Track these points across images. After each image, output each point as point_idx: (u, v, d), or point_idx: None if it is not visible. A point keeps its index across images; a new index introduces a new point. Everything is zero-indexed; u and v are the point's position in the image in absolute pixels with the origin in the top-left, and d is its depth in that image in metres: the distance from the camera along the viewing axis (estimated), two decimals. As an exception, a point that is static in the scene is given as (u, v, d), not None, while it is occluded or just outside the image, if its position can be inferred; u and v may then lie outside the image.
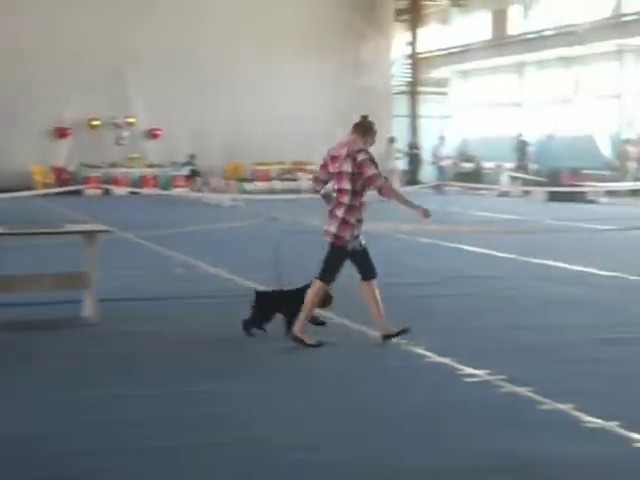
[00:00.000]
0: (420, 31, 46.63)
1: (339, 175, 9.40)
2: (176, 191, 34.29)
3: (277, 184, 37.78)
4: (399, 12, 45.86)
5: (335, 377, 8.34)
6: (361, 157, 9.32)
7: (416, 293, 12.85)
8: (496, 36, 44.12)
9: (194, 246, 17.33)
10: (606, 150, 37.14)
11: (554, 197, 30.90)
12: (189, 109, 38.53)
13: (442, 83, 47.82)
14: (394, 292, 12.80)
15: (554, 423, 6.87)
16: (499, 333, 10.08)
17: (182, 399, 7.55)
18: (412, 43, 46.17)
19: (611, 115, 37.48)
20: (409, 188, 33.73)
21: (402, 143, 39.53)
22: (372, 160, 9.39)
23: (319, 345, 9.29)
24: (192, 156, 37.21)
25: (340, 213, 9.40)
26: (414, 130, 44.05)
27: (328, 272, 9.50)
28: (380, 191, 9.41)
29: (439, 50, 47.22)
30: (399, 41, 47.15)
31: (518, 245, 17.86)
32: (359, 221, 9.47)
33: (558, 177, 33.49)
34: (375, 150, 31.03)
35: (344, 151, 9.42)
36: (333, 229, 9.46)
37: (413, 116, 44.97)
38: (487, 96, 46.10)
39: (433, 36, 48.60)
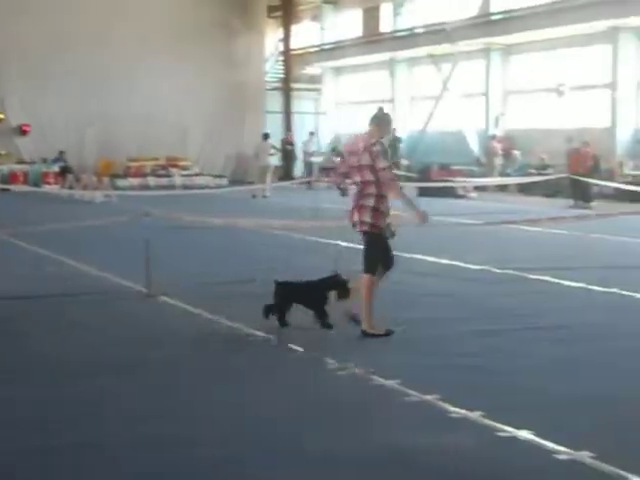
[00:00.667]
0: (293, 28, 46.84)
1: (360, 168, 9.65)
2: (47, 188, 33.65)
3: (151, 180, 37.48)
4: (272, 9, 45.94)
5: (204, 375, 8.33)
6: (375, 149, 9.57)
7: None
8: (367, 33, 44.60)
9: (65, 244, 17.08)
10: (474, 146, 37.99)
11: (424, 192, 31.43)
12: (61, 105, 37.83)
13: (315, 80, 48.15)
14: (264, 288, 12.89)
15: (420, 414, 7.03)
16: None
17: (57, 398, 7.48)
18: (285, 40, 46.33)
19: (479, 112, 38.31)
20: (283, 184, 33.91)
21: (276, 139, 39.62)
22: (385, 152, 9.62)
23: (390, 333, 9.57)
24: (62, 152, 36.62)
25: (371, 203, 9.59)
26: (287, 126, 44.22)
27: (372, 263, 9.64)
28: (385, 184, 9.61)
29: (312, 47, 47.50)
30: (272, 37, 47.25)
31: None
32: (388, 209, 9.72)
33: (428, 173, 34.08)
34: (250, 146, 30.75)
35: (362, 145, 9.68)
36: (368, 219, 9.62)
37: (286, 112, 45.14)
38: (360, 92, 46.57)
39: (306, 33, 48.85)
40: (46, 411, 7.15)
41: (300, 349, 9.02)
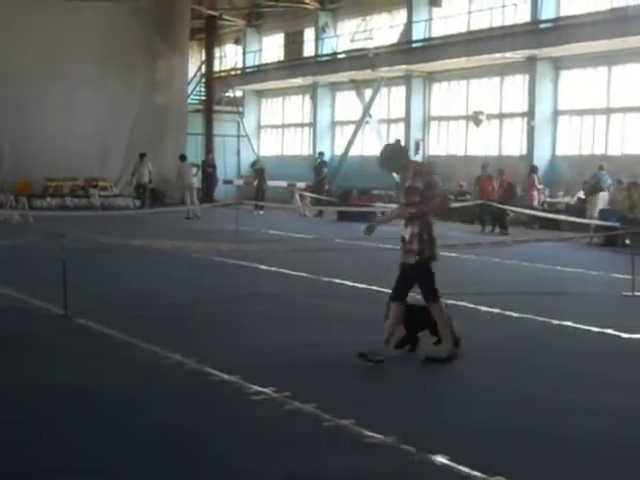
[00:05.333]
0: (216, 50, 46.84)
1: None
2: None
3: (69, 200, 37.00)
4: (195, 31, 45.90)
5: (119, 397, 8.24)
6: None
7: (205, 310, 12.86)
8: (290, 57, 44.84)
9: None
10: (394, 171, 38.21)
11: (345, 216, 31.56)
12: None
13: (238, 102, 48.15)
14: (181, 311, 12.85)
15: (335, 439, 7.00)
16: (286, 350, 10.19)
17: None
18: (207, 62, 46.29)
19: (400, 138, 38.62)
20: (205, 206, 33.77)
21: (197, 161, 39.49)
22: None
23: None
24: (-23, 171, 36.04)
25: None
26: (209, 148, 44.11)
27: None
28: None
29: (234, 70, 47.55)
30: (195, 59, 47.18)
31: (309, 263, 18.12)
32: None
33: (349, 197, 34.20)
34: (170, 168, 30.17)
35: None
36: None
37: (208, 135, 45.03)
38: (282, 116, 46.75)
39: (229, 56, 48.93)
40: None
41: (217, 372, 8.94)
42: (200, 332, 11.23)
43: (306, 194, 36.83)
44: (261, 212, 34.92)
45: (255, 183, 38.49)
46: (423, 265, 9.67)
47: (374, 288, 15.18)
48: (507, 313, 12.92)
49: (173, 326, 11.63)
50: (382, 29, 39.86)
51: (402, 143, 9.81)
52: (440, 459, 6.48)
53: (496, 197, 28.26)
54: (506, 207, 27.58)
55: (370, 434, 7.03)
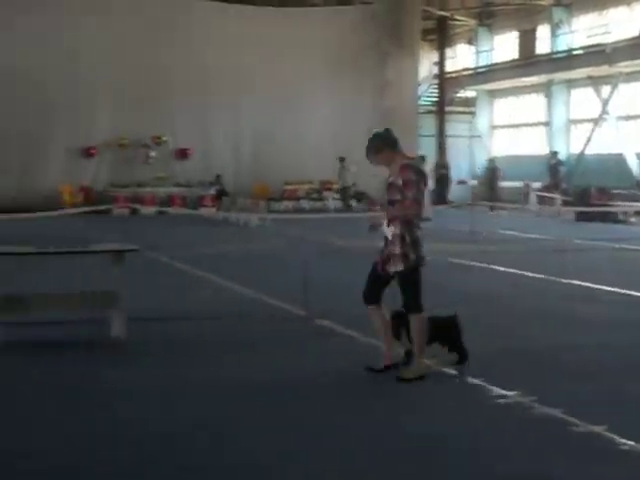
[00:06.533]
0: (447, 51, 46.70)
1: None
2: (204, 211, 34.13)
3: (305, 203, 37.74)
4: (426, 32, 45.95)
5: (363, 399, 8.28)
6: None
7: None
8: (523, 56, 44.09)
9: (220, 266, 17.29)
10: (636, 169, 36.94)
11: (583, 217, 30.69)
12: (219, 129, 38.69)
13: (470, 102, 47.82)
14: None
15: (587, 445, 6.77)
16: (531, 353, 9.98)
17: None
18: (439, 62, 46.24)
19: (640, 134, 37.34)
20: (439, 207, 33.65)
21: (430, 162, 39.42)
22: None
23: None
24: (219, 176, 37.26)
25: None
26: (442, 150, 43.97)
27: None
28: None
29: (466, 70, 47.23)
30: (426, 60, 47.17)
31: (547, 265, 17.72)
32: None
33: (587, 196, 33.23)
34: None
35: None
36: None
37: (440, 135, 44.93)
38: (515, 115, 46.05)
39: (461, 56, 48.67)
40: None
41: (469, 378, 8.81)
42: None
43: (556, 196, 35.75)
44: (493, 212, 34.47)
45: (488, 183, 38.05)
46: (411, 271, 8.69)
47: (617, 290, 14.67)
48: None
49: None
50: (620, 23, 38.56)
51: (392, 132, 8.11)
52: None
53: None
54: None
55: (623, 441, 6.74)
